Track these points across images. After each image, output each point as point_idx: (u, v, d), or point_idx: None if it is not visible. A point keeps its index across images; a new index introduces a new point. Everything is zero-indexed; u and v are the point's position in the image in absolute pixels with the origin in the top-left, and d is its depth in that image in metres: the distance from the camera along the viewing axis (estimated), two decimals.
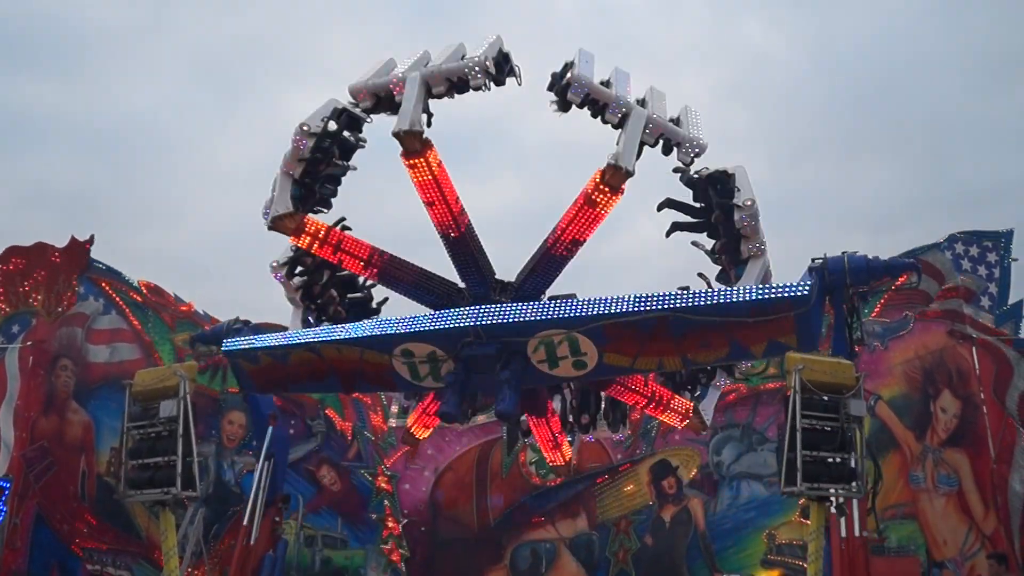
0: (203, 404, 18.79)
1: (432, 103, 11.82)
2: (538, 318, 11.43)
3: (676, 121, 11.99)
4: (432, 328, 11.70)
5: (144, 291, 20.80)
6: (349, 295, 13.85)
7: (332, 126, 12.09)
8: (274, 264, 13.19)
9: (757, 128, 46.36)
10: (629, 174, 11.44)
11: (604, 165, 11.34)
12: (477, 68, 11.57)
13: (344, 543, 20.69)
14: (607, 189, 11.51)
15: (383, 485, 20.84)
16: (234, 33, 47.72)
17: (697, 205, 12.76)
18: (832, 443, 10.68)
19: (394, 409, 21.13)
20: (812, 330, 11.25)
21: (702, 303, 11.02)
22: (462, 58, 11.84)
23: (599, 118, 11.82)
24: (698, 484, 20.72)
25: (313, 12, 48.17)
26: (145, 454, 11.40)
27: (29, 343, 19.59)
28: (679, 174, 12.39)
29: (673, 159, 11.98)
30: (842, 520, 10.97)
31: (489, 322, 11.43)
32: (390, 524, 20.68)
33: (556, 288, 12.65)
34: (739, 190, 12.04)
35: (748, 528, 20.20)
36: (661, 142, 11.79)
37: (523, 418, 14.50)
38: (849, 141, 46.47)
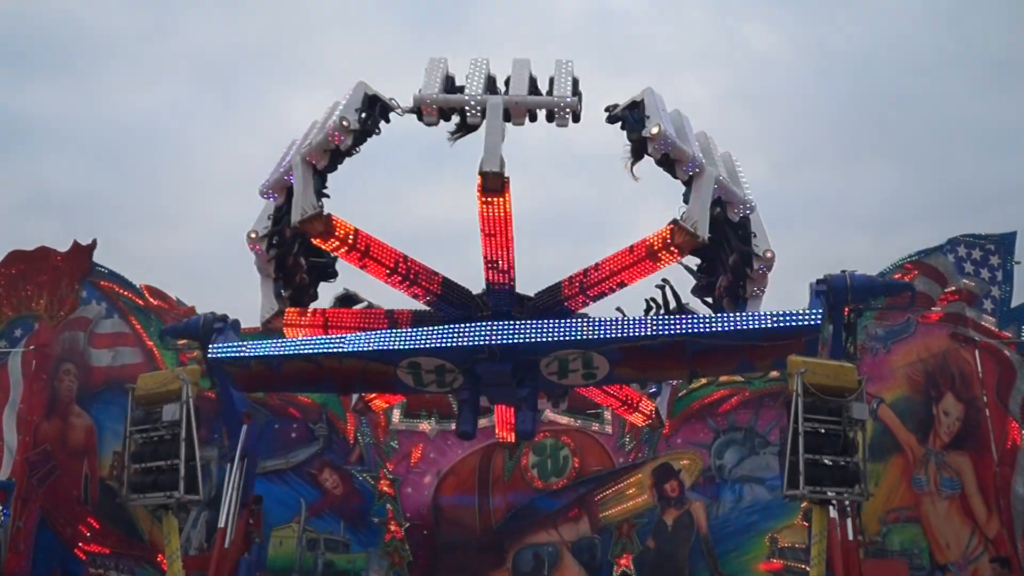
0: (206, 408, 18.74)
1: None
2: (556, 339, 11.53)
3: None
4: (447, 346, 11.72)
5: (146, 295, 20.83)
6: (313, 259, 13.55)
7: (364, 118, 11.90)
8: (253, 235, 12.64)
9: (759, 132, 46.31)
10: (703, 243, 11.50)
11: (675, 224, 11.26)
12: (566, 108, 11.59)
13: (346, 546, 20.68)
14: (675, 250, 11.59)
15: (385, 488, 20.83)
16: (236, 38, 47.85)
17: (696, 269, 13.20)
18: (834, 446, 10.71)
19: (396, 412, 21.14)
20: (816, 345, 11.62)
21: (719, 328, 11.36)
22: (534, 82, 11.89)
23: (665, 167, 11.83)
24: (700, 487, 20.69)
25: (314, 17, 48.25)
26: (148, 458, 11.44)
27: (32, 347, 19.65)
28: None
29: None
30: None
31: (506, 342, 11.50)
32: (392, 527, 20.67)
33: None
34: (755, 235, 12.10)
35: (750, 531, 20.18)
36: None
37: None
38: (851, 144, 46.44)
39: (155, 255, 41.67)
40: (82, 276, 20.42)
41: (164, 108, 46.81)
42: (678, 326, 11.55)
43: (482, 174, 11.14)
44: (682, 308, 13.80)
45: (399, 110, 12.10)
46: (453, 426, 19.88)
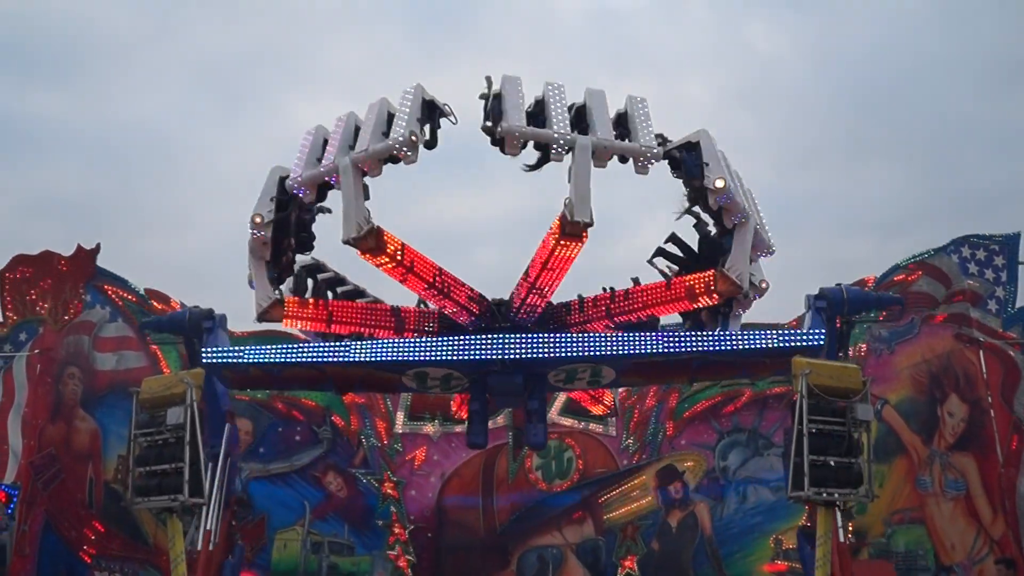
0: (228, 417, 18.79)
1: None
2: (568, 355, 11.63)
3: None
4: (460, 359, 11.72)
5: (150, 298, 20.85)
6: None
7: (430, 133, 11.49)
8: (258, 220, 12.12)
9: (763, 133, 46.23)
10: (746, 295, 11.56)
11: (719, 272, 11.42)
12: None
13: (351, 549, 20.68)
14: (716, 296, 11.85)
15: (389, 491, 20.83)
16: (238, 41, 47.83)
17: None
18: (839, 448, 10.70)
19: (400, 415, 21.15)
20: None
21: (727, 347, 11.83)
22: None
23: (709, 214, 12.05)
24: (704, 489, 20.68)
25: (316, 20, 48.25)
26: (152, 461, 11.45)
27: (36, 351, 19.65)
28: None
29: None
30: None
31: (518, 357, 11.54)
32: (396, 530, 20.66)
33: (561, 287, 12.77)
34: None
35: (755, 533, 20.16)
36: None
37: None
38: (855, 145, 46.36)
39: (159, 259, 41.78)
40: (86, 280, 20.42)
41: (167, 112, 46.89)
42: (691, 344, 11.85)
43: (572, 223, 10.80)
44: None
45: (451, 117, 11.57)
46: (457, 428, 20.04)
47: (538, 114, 11.35)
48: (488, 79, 11.34)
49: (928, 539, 19.06)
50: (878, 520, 19.17)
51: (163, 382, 11.87)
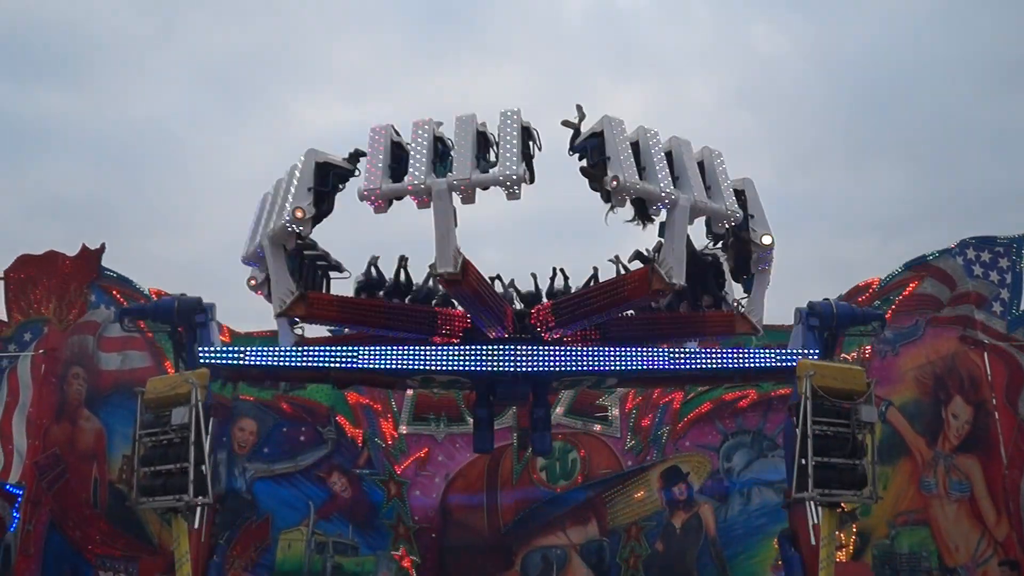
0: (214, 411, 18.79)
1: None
2: (576, 368, 11.84)
3: None
4: (470, 369, 11.83)
5: (155, 299, 20.85)
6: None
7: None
8: (299, 215, 11.39)
9: (764, 133, 46.24)
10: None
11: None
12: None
13: (355, 549, 20.68)
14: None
15: (394, 492, 20.85)
16: (243, 41, 47.88)
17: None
18: (843, 449, 10.70)
19: (405, 416, 21.15)
20: None
21: (728, 365, 12.58)
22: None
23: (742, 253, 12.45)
24: (709, 490, 20.67)
25: (322, 20, 48.29)
26: (157, 461, 11.45)
27: (41, 351, 19.67)
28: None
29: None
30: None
31: (527, 369, 11.64)
32: (401, 531, 20.68)
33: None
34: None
35: (759, 534, 20.12)
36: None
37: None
38: (857, 146, 46.32)
39: (163, 259, 41.81)
40: (91, 280, 20.45)
41: (171, 112, 46.96)
42: (691, 359, 12.60)
43: (668, 284, 10.93)
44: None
45: (538, 143, 11.29)
46: (462, 429, 20.05)
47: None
48: (579, 108, 11.21)
49: (932, 541, 19.05)
50: (882, 522, 19.16)
51: (168, 382, 11.86)
